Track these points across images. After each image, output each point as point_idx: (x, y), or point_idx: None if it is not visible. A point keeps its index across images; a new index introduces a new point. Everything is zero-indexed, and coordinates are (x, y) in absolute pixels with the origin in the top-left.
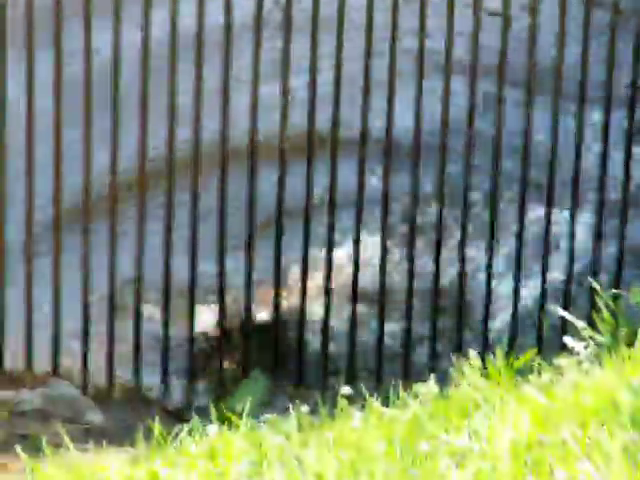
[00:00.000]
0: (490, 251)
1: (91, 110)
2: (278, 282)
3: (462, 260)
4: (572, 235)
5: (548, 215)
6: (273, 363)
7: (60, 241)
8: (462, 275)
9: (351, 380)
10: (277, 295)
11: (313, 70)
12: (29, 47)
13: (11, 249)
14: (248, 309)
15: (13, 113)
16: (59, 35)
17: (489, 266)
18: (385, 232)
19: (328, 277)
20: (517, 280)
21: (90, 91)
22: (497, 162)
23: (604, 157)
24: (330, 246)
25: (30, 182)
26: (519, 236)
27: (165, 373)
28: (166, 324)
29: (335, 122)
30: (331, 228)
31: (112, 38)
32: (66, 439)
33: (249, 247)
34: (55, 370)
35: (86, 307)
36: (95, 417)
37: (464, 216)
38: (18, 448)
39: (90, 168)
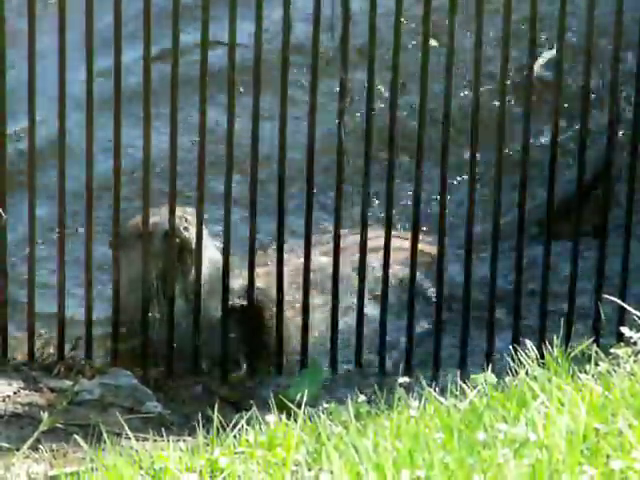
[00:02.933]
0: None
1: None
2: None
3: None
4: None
5: None
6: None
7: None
8: (519, 268)
9: (408, 369)
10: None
11: None
12: None
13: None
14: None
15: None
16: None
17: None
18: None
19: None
20: (574, 269)
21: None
22: None
23: None
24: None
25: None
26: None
27: (225, 362)
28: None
29: None
30: None
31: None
32: (126, 428)
33: None
34: (114, 359)
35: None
36: (154, 407)
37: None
38: (78, 437)
39: None
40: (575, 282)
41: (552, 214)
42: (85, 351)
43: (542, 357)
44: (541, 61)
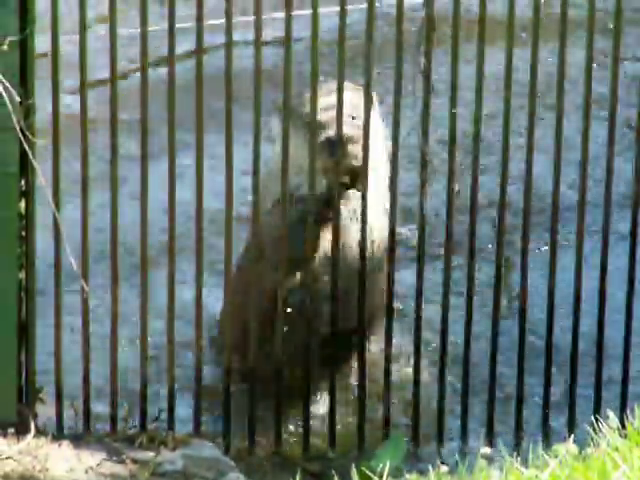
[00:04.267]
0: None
1: None
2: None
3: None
4: None
5: None
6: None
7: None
8: (601, 334)
9: (490, 438)
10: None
11: None
12: None
13: None
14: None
15: None
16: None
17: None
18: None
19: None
20: None
21: None
22: None
23: None
24: None
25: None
26: None
27: (306, 435)
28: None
29: None
30: None
31: None
32: None
33: None
34: (197, 430)
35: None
36: (237, 478)
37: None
38: None
39: None
40: None
41: None
42: (167, 422)
43: (624, 427)
44: None
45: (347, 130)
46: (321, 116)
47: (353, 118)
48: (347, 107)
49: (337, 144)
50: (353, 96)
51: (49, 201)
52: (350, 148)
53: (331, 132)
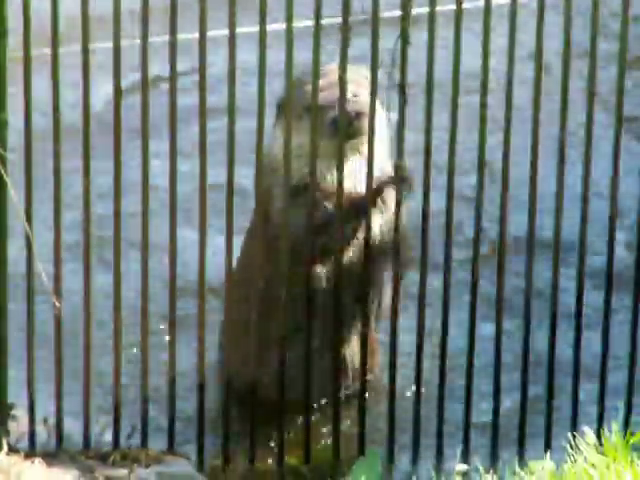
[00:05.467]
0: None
1: None
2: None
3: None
4: None
5: None
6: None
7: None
8: (577, 349)
9: (466, 455)
10: None
11: None
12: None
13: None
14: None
15: None
16: None
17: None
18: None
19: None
20: (633, 351)
21: None
22: None
23: None
24: None
25: None
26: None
27: (280, 457)
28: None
29: None
30: None
31: None
32: None
33: None
34: (170, 447)
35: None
36: None
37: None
38: None
39: None
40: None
41: None
42: (141, 439)
43: (601, 443)
44: None
45: (351, 108)
46: (322, 98)
47: (355, 96)
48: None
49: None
50: (351, 74)
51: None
52: (356, 124)
53: (334, 112)
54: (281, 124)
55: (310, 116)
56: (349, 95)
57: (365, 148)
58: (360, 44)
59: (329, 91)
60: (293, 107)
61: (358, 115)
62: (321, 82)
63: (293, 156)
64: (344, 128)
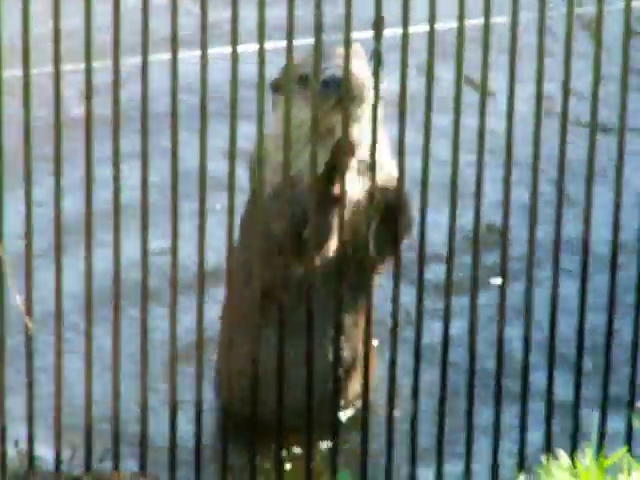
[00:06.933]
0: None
1: None
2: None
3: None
4: None
5: None
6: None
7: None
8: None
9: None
10: None
11: None
12: None
13: None
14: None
15: None
16: None
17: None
18: None
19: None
20: (606, 378)
21: None
22: None
23: None
24: None
25: None
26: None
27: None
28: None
29: None
30: None
31: None
32: None
33: None
34: (142, 470)
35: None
36: None
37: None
38: None
39: None
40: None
41: None
42: (113, 462)
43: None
44: None
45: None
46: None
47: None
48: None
49: (334, 82)
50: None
51: None
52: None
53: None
54: (277, 105)
55: (304, 86)
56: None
57: (365, 119)
58: None
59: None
60: (287, 86)
61: (353, 78)
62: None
63: (292, 140)
64: (335, 88)
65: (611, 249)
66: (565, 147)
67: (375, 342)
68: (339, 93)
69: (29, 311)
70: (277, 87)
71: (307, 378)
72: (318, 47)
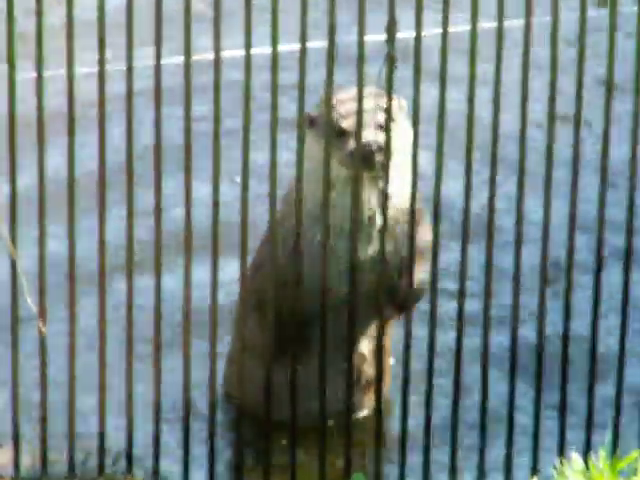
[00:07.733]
0: None
1: None
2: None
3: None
4: None
5: None
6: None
7: None
8: (564, 371)
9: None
10: None
11: None
12: None
13: None
14: None
15: None
16: None
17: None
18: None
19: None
20: (619, 381)
21: None
22: None
23: None
24: None
25: None
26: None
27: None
28: None
29: None
30: None
31: None
32: None
33: None
34: (155, 474)
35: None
36: None
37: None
38: None
39: None
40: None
41: None
42: (126, 465)
43: (588, 468)
44: None
45: (374, 139)
46: (350, 123)
47: (381, 127)
48: (377, 114)
49: (373, 155)
50: (379, 101)
51: None
52: (376, 158)
53: (365, 141)
54: (312, 138)
55: (335, 139)
56: (376, 123)
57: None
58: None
59: (359, 116)
60: (322, 125)
61: (381, 149)
62: (354, 105)
63: (312, 179)
64: (360, 160)
65: None
66: None
67: (392, 361)
68: (375, 164)
69: (42, 313)
70: (312, 122)
71: (320, 384)
72: (331, 51)
